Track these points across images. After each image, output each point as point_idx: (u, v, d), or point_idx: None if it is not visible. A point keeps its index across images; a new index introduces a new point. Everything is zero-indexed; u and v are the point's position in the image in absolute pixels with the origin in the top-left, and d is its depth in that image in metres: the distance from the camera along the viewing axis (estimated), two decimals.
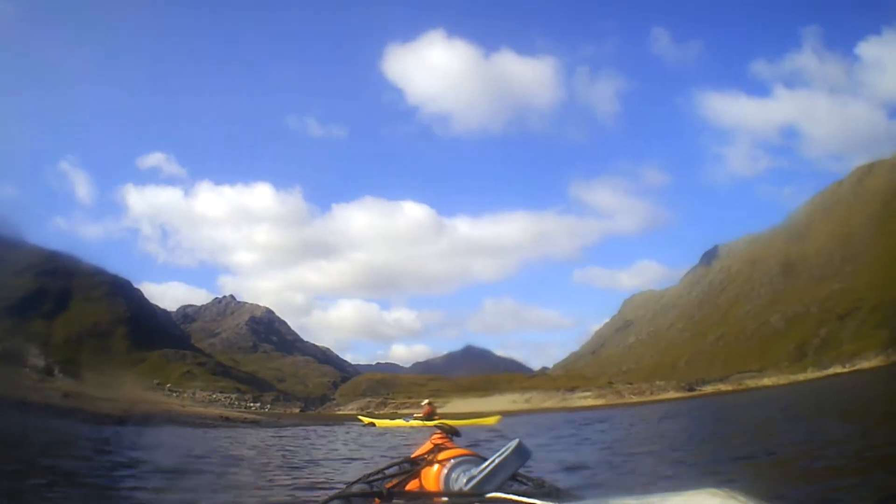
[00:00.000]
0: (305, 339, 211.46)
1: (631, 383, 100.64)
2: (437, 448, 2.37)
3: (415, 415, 27.92)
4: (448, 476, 1.97)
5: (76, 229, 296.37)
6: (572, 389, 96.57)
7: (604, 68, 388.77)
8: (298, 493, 6.64)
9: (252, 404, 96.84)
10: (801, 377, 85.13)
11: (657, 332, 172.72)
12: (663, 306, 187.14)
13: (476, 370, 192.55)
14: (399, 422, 28.31)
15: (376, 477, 2.32)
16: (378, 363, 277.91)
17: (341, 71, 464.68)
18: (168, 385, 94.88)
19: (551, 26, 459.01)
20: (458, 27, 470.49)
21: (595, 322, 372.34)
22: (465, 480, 1.82)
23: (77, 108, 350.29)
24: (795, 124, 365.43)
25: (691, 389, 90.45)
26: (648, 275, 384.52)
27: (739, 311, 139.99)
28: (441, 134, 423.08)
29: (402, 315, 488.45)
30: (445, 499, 1.73)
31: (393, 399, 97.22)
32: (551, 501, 1.34)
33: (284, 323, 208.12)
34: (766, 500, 1.04)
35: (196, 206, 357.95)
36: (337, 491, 2.13)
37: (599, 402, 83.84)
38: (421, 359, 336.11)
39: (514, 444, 1.74)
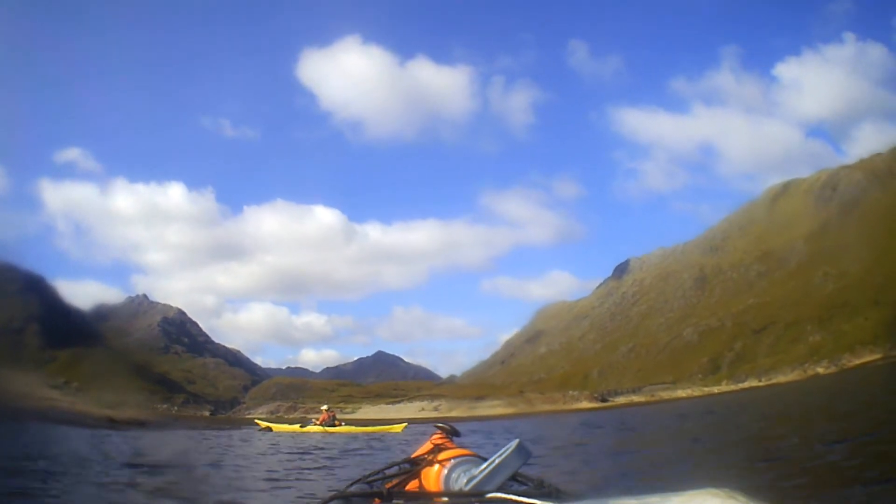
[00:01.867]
0: (217, 340, 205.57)
1: (543, 393, 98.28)
2: (438, 448, 2.32)
3: (313, 421, 27.86)
4: (448, 476, 1.96)
5: None
6: (481, 398, 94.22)
7: (519, 79, 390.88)
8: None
9: (160, 405, 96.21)
10: (715, 389, 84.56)
11: (569, 342, 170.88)
12: (575, 317, 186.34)
13: (386, 377, 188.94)
14: (296, 426, 28.54)
15: (376, 477, 2.32)
16: (288, 367, 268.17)
17: (256, 73, 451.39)
18: (75, 384, 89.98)
19: (469, 35, 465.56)
20: (375, 33, 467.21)
21: (503, 331, 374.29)
22: (465, 480, 1.80)
23: None
24: (713, 142, 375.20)
25: (604, 400, 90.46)
26: (560, 286, 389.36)
27: (652, 324, 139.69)
28: (353, 140, 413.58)
29: (312, 319, 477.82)
30: (446, 499, 1.71)
31: (303, 403, 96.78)
32: (551, 501, 1.33)
33: (196, 324, 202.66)
34: (766, 500, 1.03)
35: (110, 203, 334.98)
36: (337, 491, 2.08)
37: (509, 411, 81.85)
38: (331, 364, 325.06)
39: (514, 444, 1.72)
